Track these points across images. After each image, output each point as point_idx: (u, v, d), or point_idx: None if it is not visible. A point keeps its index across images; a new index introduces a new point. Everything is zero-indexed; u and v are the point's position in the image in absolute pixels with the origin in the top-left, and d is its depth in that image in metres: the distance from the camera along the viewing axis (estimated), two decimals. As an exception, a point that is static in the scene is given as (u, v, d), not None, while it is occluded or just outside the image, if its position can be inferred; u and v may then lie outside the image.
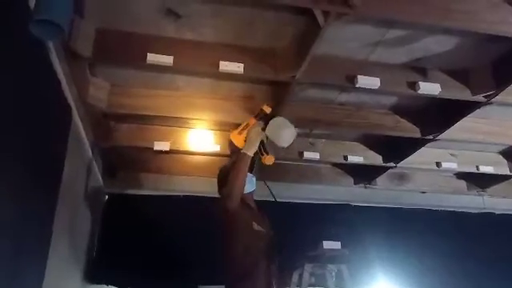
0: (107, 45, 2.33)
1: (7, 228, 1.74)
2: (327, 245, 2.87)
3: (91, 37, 2.27)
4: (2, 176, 1.64)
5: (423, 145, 3.42)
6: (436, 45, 2.49)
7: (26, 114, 1.86)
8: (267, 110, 2.32)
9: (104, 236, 3.69)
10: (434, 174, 4.21)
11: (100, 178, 3.63)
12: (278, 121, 2.30)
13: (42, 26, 1.54)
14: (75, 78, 2.39)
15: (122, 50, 2.38)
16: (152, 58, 2.35)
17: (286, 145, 2.32)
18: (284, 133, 2.28)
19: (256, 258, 2.27)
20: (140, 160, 3.79)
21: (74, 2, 1.72)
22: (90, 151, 3.11)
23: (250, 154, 2.23)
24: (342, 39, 2.42)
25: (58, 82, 2.21)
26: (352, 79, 2.58)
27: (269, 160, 2.30)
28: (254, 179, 2.52)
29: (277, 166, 3.93)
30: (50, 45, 2.01)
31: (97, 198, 3.65)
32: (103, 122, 3.17)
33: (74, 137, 2.59)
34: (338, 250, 2.81)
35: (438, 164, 3.75)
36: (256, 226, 2.33)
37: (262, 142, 2.27)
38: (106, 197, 3.87)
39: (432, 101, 2.98)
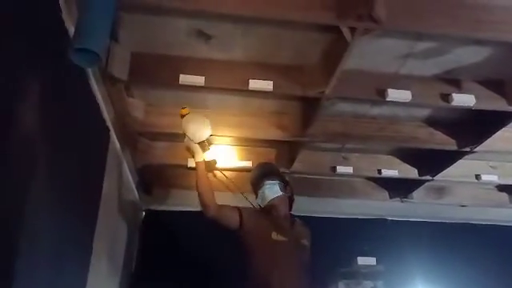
0: (142, 68, 2.42)
1: (50, 245, 1.82)
2: (362, 261, 2.84)
3: (127, 61, 2.37)
4: (45, 196, 1.73)
5: (460, 157, 3.32)
6: (468, 55, 2.44)
7: (70, 137, 1.95)
8: (184, 112, 2.40)
9: (142, 251, 3.79)
10: (474, 186, 4.06)
11: (137, 195, 3.74)
12: (186, 119, 2.38)
13: (81, 54, 1.62)
14: (113, 101, 2.50)
15: (156, 72, 2.47)
16: (184, 78, 2.42)
17: (198, 138, 2.39)
18: (190, 127, 2.38)
19: (272, 267, 2.25)
20: (175, 177, 3.87)
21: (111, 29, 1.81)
22: (127, 169, 3.21)
23: (196, 159, 2.38)
24: (370, 53, 2.41)
25: (97, 106, 2.32)
26: (382, 93, 2.56)
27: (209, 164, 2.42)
28: (277, 186, 2.52)
29: (309, 181, 3.95)
30: (89, 70, 2.11)
31: (134, 215, 3.75)
32: (139, 141, 3.28)
33: (112, 156, 2.69)
34: (373, 266, 2.78)
35: (478, 176, 3.62)
36: (275, 235, 2.31)
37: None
38: (143, 213, 3.97)
39: (467, 112, 2.91)
